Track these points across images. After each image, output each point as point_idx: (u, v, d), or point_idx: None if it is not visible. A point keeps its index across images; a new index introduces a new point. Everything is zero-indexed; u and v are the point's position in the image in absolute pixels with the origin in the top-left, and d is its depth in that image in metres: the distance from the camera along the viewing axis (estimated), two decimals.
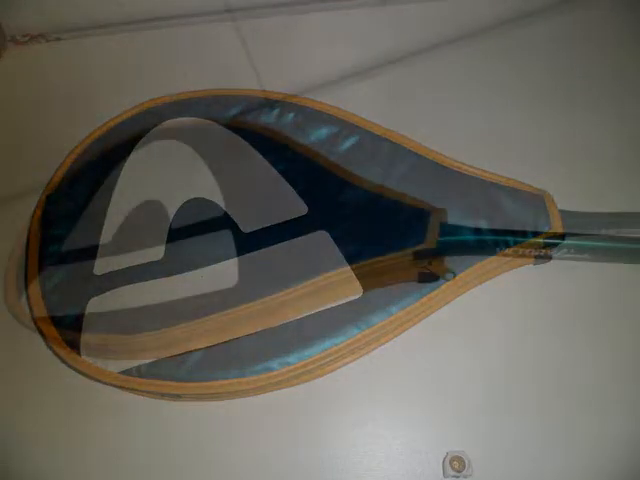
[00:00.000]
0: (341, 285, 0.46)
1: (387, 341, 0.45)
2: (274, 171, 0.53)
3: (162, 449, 0.44)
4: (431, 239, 0.45)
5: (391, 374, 0.44)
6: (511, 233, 0.45)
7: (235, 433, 0.44)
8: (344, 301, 0.46)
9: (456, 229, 0.46)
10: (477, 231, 0.45)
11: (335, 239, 0.47)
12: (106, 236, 0.52)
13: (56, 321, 0.48)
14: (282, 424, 0.44)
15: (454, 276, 0.46)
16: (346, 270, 0.45)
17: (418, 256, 0.45)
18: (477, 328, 0.45)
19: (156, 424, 0.45)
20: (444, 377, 0.44)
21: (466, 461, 0.39)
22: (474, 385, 0.43)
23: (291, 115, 0.55)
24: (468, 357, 0.44)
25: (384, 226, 0.47)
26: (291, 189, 0.51)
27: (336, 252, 0.46)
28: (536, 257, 0.46)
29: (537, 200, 0.46)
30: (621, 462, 0.40)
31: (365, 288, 0.47)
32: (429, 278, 0.47)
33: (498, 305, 0.46)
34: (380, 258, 0.45)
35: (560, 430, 0.41)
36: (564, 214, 0.45)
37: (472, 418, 0.42)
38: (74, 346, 0.49)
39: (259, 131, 0.55)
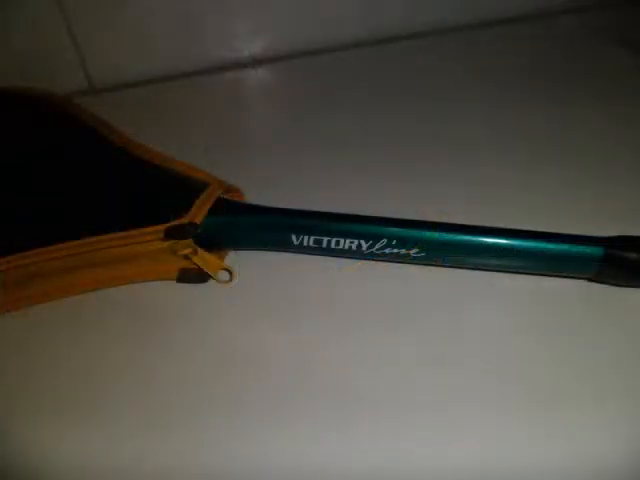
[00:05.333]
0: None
1: None
2: None
3: None
4: (196, 214, 0.30)
5: None
6: None
7: None
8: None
9: (237, 207, 0.32)
10: (265, 210, 0.31)
11: (68, 207, 0.32)
12: None
13: None
14: None
15: (231, 277, 0.31)
16: (61, 248, 0.29)
17: (170, 235, 0.29)
18: None
19: None
20: None
21: None
22: None
23: None
24: None
25: (141, 196, 0.33)
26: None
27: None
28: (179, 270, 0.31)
29: (197, 187, 0.32)
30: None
31: (100, 284, 0.32)
32: (193, 277, 0.31)
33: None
34: (115, 235, 0.30)
35: None
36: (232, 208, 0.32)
37: None
38: None
39: None
